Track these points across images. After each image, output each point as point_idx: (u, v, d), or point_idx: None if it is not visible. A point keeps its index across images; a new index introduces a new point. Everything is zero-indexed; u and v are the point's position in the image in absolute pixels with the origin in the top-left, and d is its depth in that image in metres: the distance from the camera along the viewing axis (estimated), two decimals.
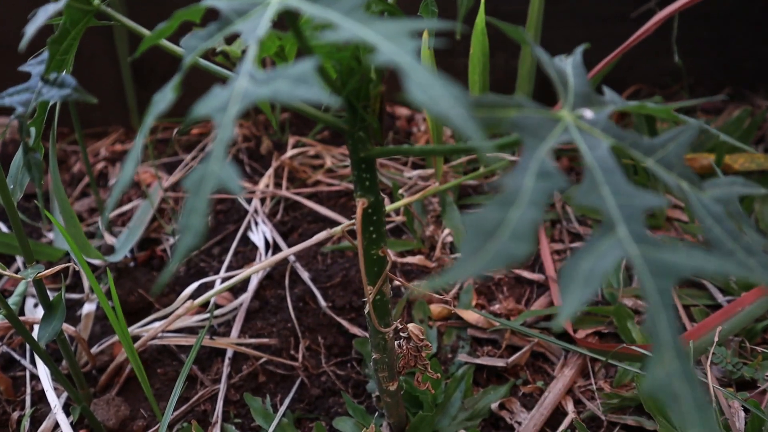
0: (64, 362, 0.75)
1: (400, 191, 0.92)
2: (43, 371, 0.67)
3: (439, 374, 0.62)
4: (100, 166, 1.15)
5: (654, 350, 0.24)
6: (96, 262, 0.90)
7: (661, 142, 0.33)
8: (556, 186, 0.27)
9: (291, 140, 1.09)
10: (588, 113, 0.33)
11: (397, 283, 0.81)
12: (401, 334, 0.60)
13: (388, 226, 0.93)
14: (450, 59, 1.08)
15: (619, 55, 0.93)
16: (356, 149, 0.43)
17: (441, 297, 0.80)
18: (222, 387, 0.74)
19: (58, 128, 1.23)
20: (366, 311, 0.53)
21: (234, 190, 0.24)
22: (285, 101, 0.24)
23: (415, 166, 1.04)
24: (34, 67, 0.38)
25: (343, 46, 0.36)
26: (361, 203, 0.45)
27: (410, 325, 0.60)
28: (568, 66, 0.35)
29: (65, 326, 0.71)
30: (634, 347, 0.69)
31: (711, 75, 1.23)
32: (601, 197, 0.28)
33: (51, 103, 0.57)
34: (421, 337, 0.60)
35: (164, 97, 0.30)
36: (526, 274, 0.87)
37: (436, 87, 0.22)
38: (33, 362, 0.76)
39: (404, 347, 0.60)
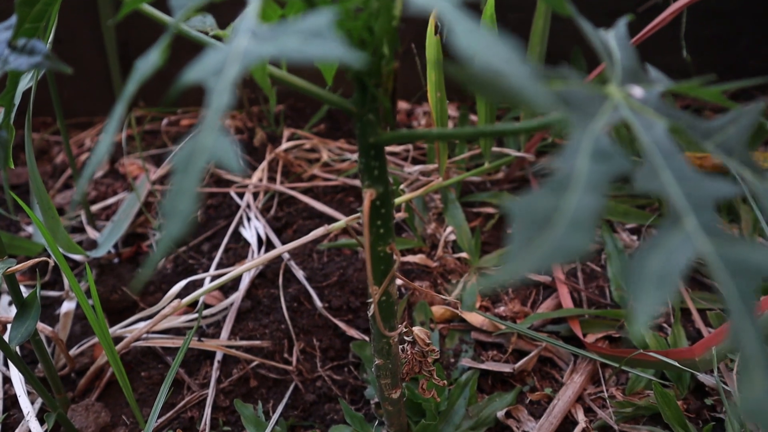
0: (40, 364, 0.70)
1: (401, 187, 0.88)
2: (16, 375, 0.62)
3: (445, 381, 0.58)
4: (84, 157, 1.10)
5: (742, 367, 0.20)
6: (77, 257, 0.85)
7: (720, 125, 0.29)
8: (616, 168, 0.22)
9: (286, 132, 1.04)
10: (637, 91, 0.29)
11: (399, 282, 0.76)
12: (405, 338, 0.56)
13: None
14: None
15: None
16: (365, 134, 0.38)
17: (443, 298, 0.76)
18: (210, 392, 0.69)
19: (41, 117, 1.18)
20: (370, 313, 0.49)
21: (231, 167, 0.20)
22: (294, 60, 0.20)
23: (415, 162, 1.00)
24: (1, 32, 0.33)
25: (356, 14, 0.32)
26: (369, 194, 0.40)
27: (415, 329, 0.55)
28: (611, 38, 0.31)
29: (41, 326, 0.66)
30: (649, 353, 0.65)
31: (717, 72, 1.20)
32: (663, 184, 0.24)
33: (26, 86, 0.52)
34: (427, 341, 0.55)
35: (148, 62, 0.26)
36: (532, 275, 0.83)
37: (486, 37, 0.18)
38: (6, 364, 0.71)
39: (408, 352, 0.56)
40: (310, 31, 0.20)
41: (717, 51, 1.18)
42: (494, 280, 0.18)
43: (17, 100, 0.50)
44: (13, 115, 0.47)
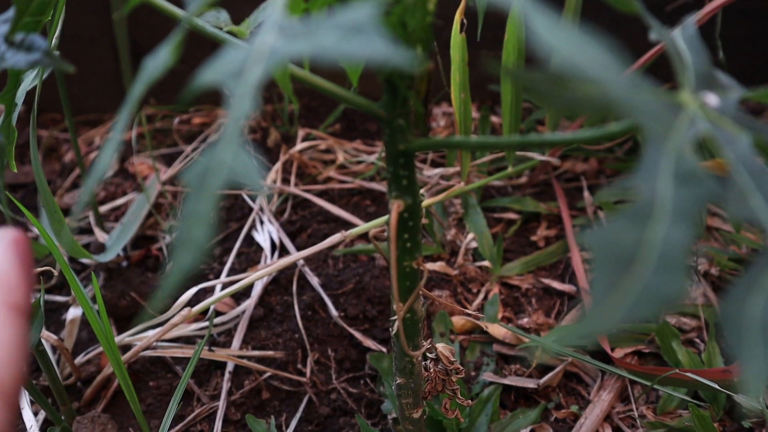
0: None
1: (421, 191, 0.85)
2: None
3: (469, 401, 0.55)
4: (93, 155, 1.07)
5: None
6: (85, 261, 0.83)
7: None
8: (705, 193, 0.19)
9: (301, 133, 1.01)
10: (713, 99, 0.25)
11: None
12: (428, 354, 0.53)
13: None
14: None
15: (659, 52, 0.86)
16: (394, 140, 0.35)
17: (464, 309, 0.73)
18: (221, 404, 0.66)
19: (51, 114, 1.16)
20: (393, 331, 0.46)
21: (253, 185, 0.16)
22: (331, 60, 0.17)
23: (434, 165, 0.97)
24: None
25: (390, 9, 0.28)
26: (396, 206, 0.37)
27: (439, 346, 0.52)
28: (678, 37, 0.27)
29: (46, 334, 0.63)
30: (685, 372, 0.61)
31: (748, 73, 1.16)
32: (753, 210, 0.21)
33: (31, 85, 0.49)
34: (452, 359, 0.52)
35: (158, 61, 0.23)
36: (556, 285, 0.80)
37: (574, 35, 0.15)
38: None
39: (432, 370, 0.53)
40: (349, 26, 0.17)
41: (752, 51, 1.14)
42: (578, 335, 0.15)
43: (20, 99, 0.47)
44: (15, 115, 0.44)
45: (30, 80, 0.49)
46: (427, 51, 0.33)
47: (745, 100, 0.28)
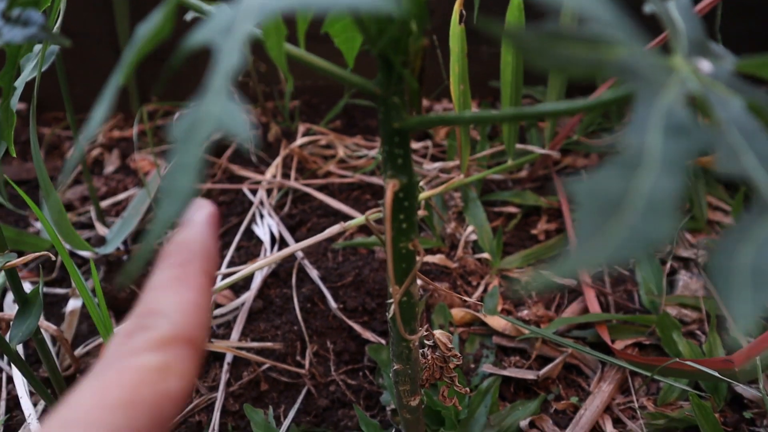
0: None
1: (421, 184, 0.85)
2: (18, 375, 0.59)
3: (467, 389, 0.54)
4: (95, 152, 1.08)
5: None
6: (86, 254, 0.83)
7: None
8: (695, 144, 0.19)
9: (301, 128, 1.01)
10: (706, 65, 0.25)
11: (419, 282, 0.73)
12: (426, 341, 0.52)
13: None
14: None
15: (659, 45, 0.86)
16: (389, 118, 0.35)
17: (464, 299, 0.73)
18: (219, 395, 0.66)
19: (54, 113, 1.16)
20: (389, 315, 0.45)
21: (239, 132, 0.16)
22: (317, 10, 0.17)
23: (435, 159, 0.97)
24: None
25: None
26: (391, 185, 0.37)
27: (437, 332, 0.52)
28: (672, 7, 0.27)
29: (46, 324, 0.63)
30: (685, 362, 0.61)
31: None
32: (745, 168, 0.20)
33: (30, 76, 0.49)
34: (449, 345, 0.52)
35: (150, 26, 0.23)
36: (556, 278, 0.79)
37: None
38: (10, 363, 0.68)
39: (429, 357, 0.53)
40: None
41: (752, 46, 1.14)
42: (557, 271, 0.15)
43: (20, 86, 0.47)
44: (14, 99, 0.45)
45: (29, 70, 0.50)
46: (422, 27, 0.33)
47: (741, 71, 0.28)
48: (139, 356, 0.22)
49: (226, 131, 0.18)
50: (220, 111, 0.18)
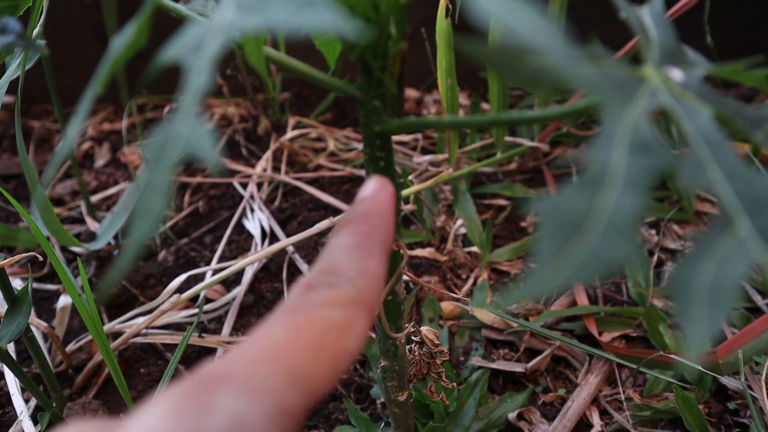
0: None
1: (410, 178, 0.85)
2: (9, 372, 0.60)
3: (455, 383, 0.55)
4: (86, 146, 1.07)
5: None
6: (77, 249, 0.83)
7: None
8: (658, 162, 0.19)
9: (291, 121, 1.01)
10: (677, 74, 0.25)
11: (406, 278, 0.73)
12: (413, 338, 0.53)
13: None
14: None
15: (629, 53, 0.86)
16: (370, 122, 0.35)
17: (453, 294, 0.73)
18: None
19: (43, 105, 1.16)
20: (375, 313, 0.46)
21: (207, 158, 0.17)
22: (283, 30, 0.17)
23: (424, 152, 0.97)
24: None
25: None
26: None
27: (423, 329, 0.52)
28: (645, 14, 0.28)
29: (36, 322, 0.63)
30: (670, 354, 0.62)
31: (737, 58, 1.16)
32: (710, 181, 0.21)
33: (14, 75, 0.49)
34: (436, 342, 0.52)
35: (124, 39, 0.23)
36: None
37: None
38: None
39: (416, 353, 0.53)
40: (300, 0, 0.17)
41: (741, 36, 1.13)
42: (517, 295, 0.15)
43: (3, 88, 0.47)
44: None
45: (14, 68, 0.49)
46: (402, 31, 0.33)
47: (719, 78, 0.29)
48: (326, 309, 0.23)
49: (194, 151, 0.18)
50: (188, 132, 0.18)
